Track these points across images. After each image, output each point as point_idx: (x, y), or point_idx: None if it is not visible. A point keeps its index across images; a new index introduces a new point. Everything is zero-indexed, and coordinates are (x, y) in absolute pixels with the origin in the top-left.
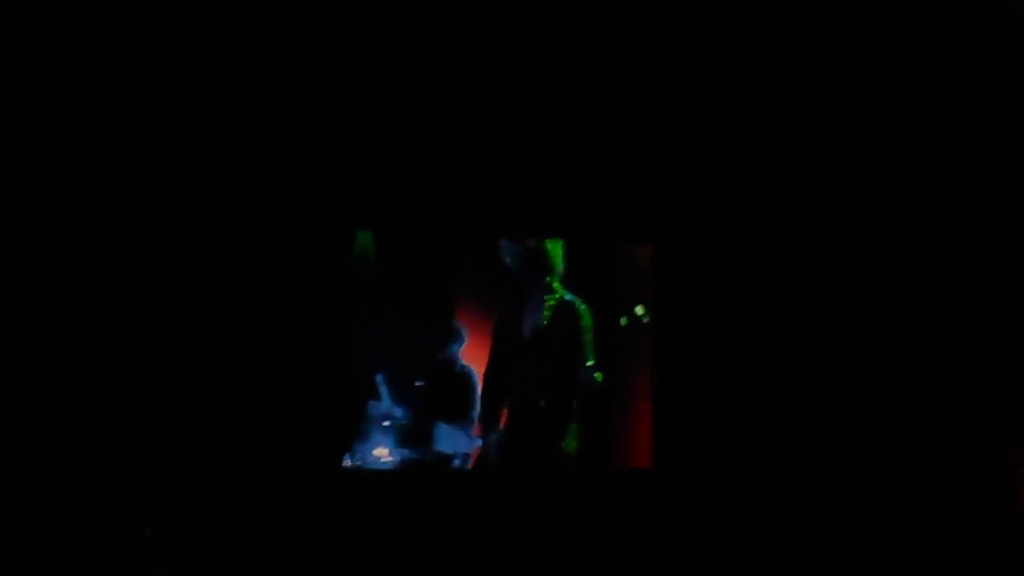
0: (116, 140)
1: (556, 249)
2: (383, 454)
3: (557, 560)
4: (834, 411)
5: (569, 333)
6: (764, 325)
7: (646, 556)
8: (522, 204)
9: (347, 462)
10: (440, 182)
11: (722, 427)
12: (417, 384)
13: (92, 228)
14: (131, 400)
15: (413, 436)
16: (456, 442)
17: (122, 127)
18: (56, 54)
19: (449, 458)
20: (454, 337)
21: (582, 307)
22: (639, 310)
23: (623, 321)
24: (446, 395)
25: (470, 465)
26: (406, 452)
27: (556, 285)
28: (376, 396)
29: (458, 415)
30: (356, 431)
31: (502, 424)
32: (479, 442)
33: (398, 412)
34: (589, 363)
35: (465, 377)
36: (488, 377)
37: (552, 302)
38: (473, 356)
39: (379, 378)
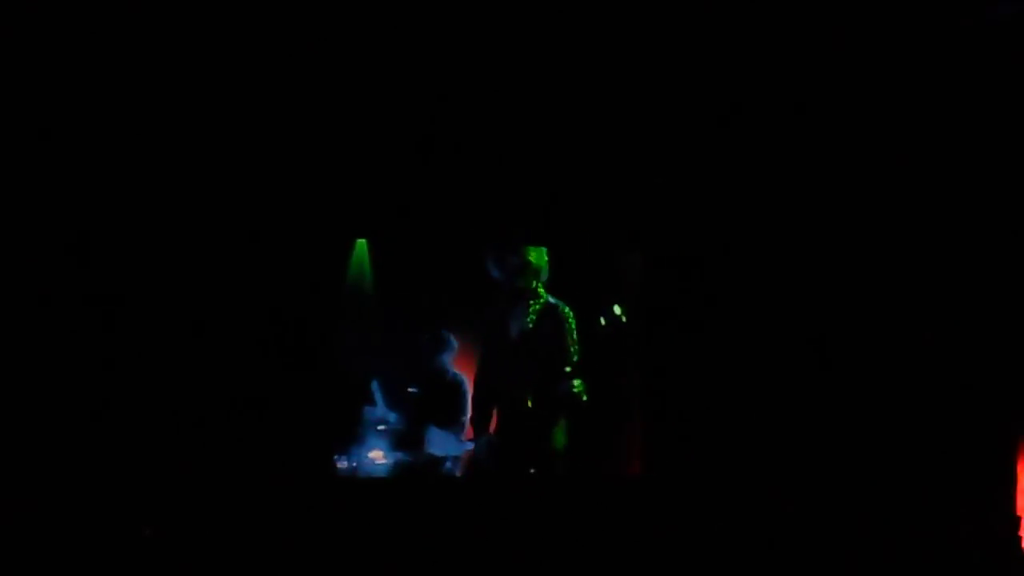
0: (115, 143)
1: (541, 256)
2: (378, 457)
3: (546, 559)
4: (827, 415)
5: (554, 335)
6: (756, 329)
7: (631, 555)
8: (513, 213)
9: (343, 464)
10: (432, 191)
11: (713, 431)
12: (410, 390)
13: (92, 233)
14: (132, 401)
15: (406, 440)
16: (447, 445)
17: (120, 131)
18: (51, 60)
19: (440, 460)
20: (445, 346)
21: (566, 310)
22: (617, 309)
23: (602, 321)
24: (438, 401)
25: (461, 467)
26: (399, 455)
27: (540, 290)
28: (371, 402)
29: (449, 420)
30: (352, 435)
31: (492, 426)
32: (469, 445)
33: (392, 417)
34: (567, 369)
35: (456, 384)
36: (478, 381)
37: (537, 306)
38: (463, 363)
39: (374, 385)
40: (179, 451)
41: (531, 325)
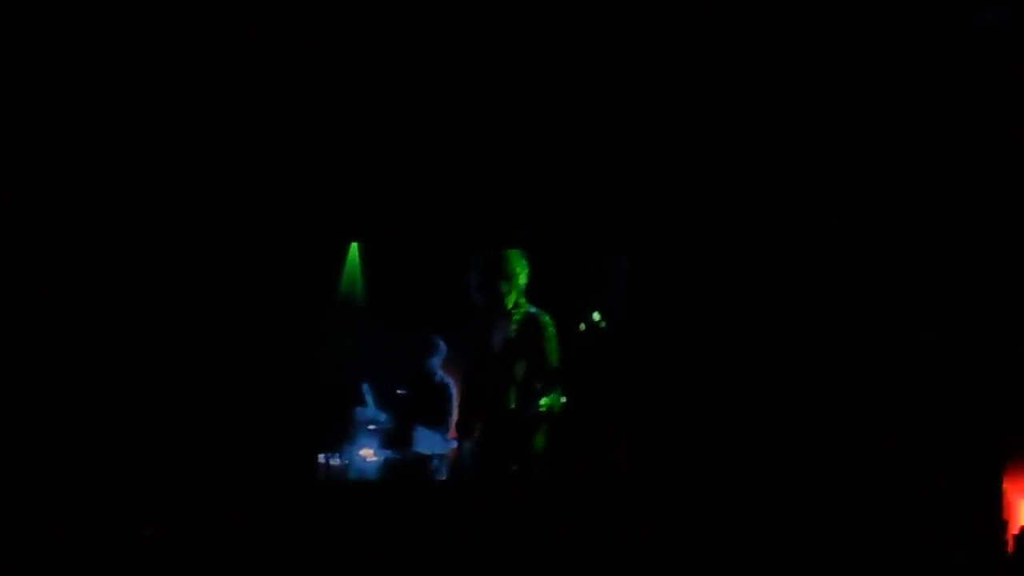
0: (109, 148)
1: (522, 272)
2: (368, 454)
3: (524, 557)
4: (816, 417)
5: (535, 343)
6: (743, 332)
7: (608, 553)
8: (502, 218)
9: (336, 461)
10: (423, 197)
11: (699, 432)
12: (399, 392)
13: (89, 236)
14: (132, 402)
15: (395, 438)
16: (433, 444)
17: (118, 135)
18: (44, 68)
19: (427, 458)
20: (434, 350)
21: (546, 319)
22: (596, 316)
23: (581, 327)
24: (425, 402)
25: (446, 464)
26: (389, 453)
27: (521, 300)
28: (362, 402)
29: (436, 420)
30: (344, 434)
31: (477, 430)
32: (455, 444)
33: (382, 417)
34: (548, 375)
35: (444, 387)
36: (465, 388)
37: (519, 316)
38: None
39: (365, 387)
40: (178, 452)
41: (513, 335)
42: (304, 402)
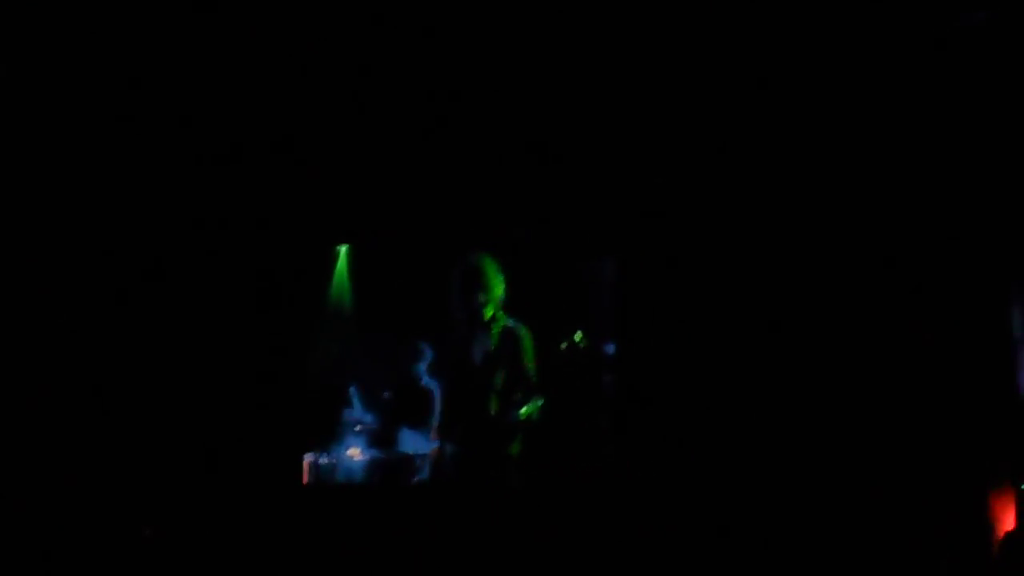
0: (105, 149)
1: (498, 281)
2: (355, 454)
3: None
4: (808, 423)
5: (514, 355)
6: (732, 336)
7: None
8: (489, 220)
9: (324, 459)
10: (408, 200)
11: (685, 437)
12: (384, 395)
13: (88, 236)
14: (131, 403)
15: (380, 439)
16: (417, 444)
17: (110, 138)
18: (41, 69)
19: (411, 457)
20: (419, 356)
21: (523, 331)
22: (577, 336)
23: (563, 345)
24: (410, 405)
25: (429, 463)
26: (374, 452)
27: (500, 314)
28: (350, 405)
29: (420, 422)
30: (332, 434)
31: (458, 434)
32: (437, 444)
33: (368, 418)
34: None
35: (428, 391)
36: (447, 397)
37: (497, 328)
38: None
39: (352, 389)
40: (177, 452)
41: (493, 347)
42: (293, 404)
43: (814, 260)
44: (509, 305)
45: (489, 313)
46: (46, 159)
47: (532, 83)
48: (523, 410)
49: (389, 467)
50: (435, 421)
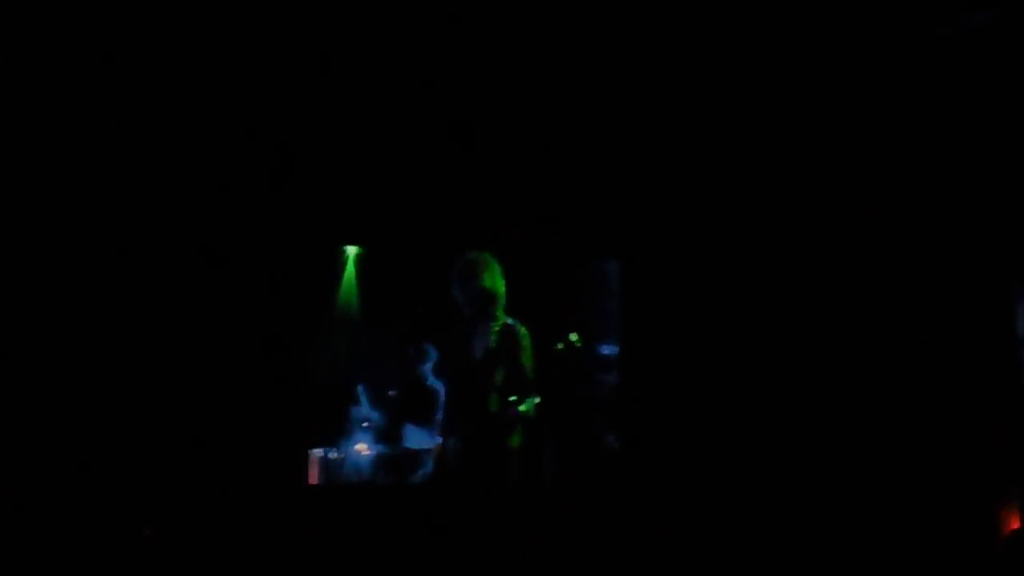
0: (115, 152)
1: (498, 285)
2: (362, 449)
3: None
4: (814, 418)
5: (512, 352)
6: (737, 336)
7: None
8: (492, 223)
9: (333, 455)
10: (414, 205)
11: (690, 435)
12: (390, 393)
13: (88, 236)
14: (132, 403)
15: (387, 435)
16: (421, 440)
17: (119, 141)
18: (37, 72)
19: (416, 453)
20: (425, 357)
21: (522, 330)
22: (573, 336)
23: (559, 346)
24: (415, 403)
25: (432, 458)
26: (380, 447)
27: (500, 313)
28: (357, 403)
29: (424, 419)
30: (341, 430)
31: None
32: (440, 440)
33: (375, 415)
34: (512, 399)
35: (434, 391)
36: (449, 393)
37: (497, 327)
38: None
39: (360, 388)
40: (177, 453)
41: (493, 345)
42: (299, 404)
43: (817, 261)
44: (509, 305)
45: (492, 313)
46: (63, 166)
47: (532, 84)
48: (521, 407)
49: (394, 462)
50: (439, 417)
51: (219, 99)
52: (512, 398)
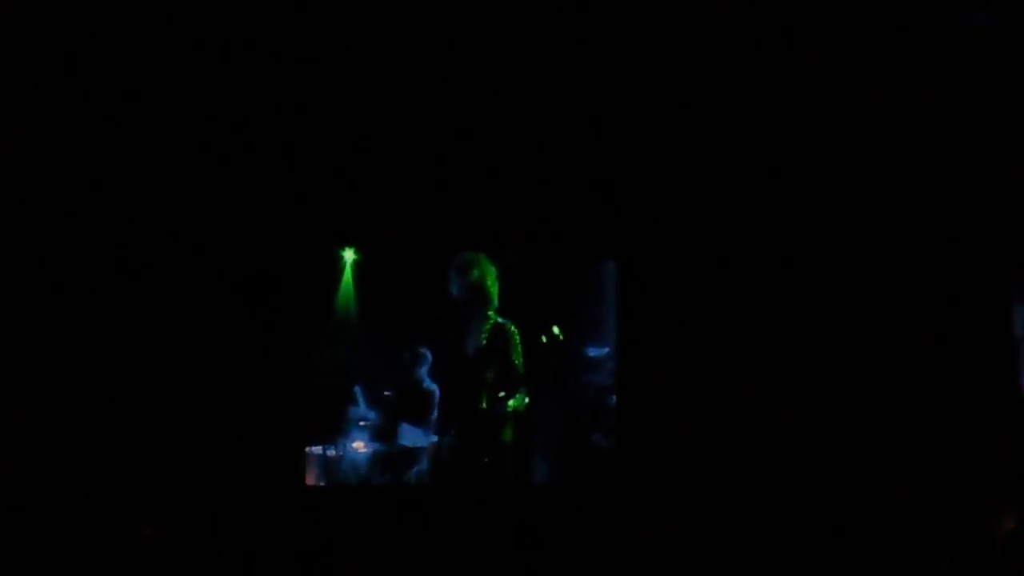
0: (117, 150)
1: (493, 286)
2: (359, 446)
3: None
4: (810, 417)
5: (503, 350)
6: (733, 336)
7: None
8: (489, 225)
9: (332, 452)
10: (409, 204)
11: (684, 434)
12: (386, 393)
13: (90, 235)
14: (132, 403)
15: (383, 433)
16: (415, 438)
17: (120, 139)
18: (36, 72)
19: (410, 450)
20: (422, 360)
21: (512, 328)
22: (555, 330)
23: (543, 339)
24: (409, 403)
25: (427, 456)
26: (377, 445)
27: (491, 313)
28: (355, 402)
29: (419, 418)
30: (339, 429)
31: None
32: (434, 438)
33: (371, 415)
34: (501, 394)
35: (429, 392)
36: (442, 391)
37: (488, 326)
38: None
39: (357, 388)
40: (178, 453)
41: (484, 342)
42: (297, 405)
43: (814, 261)
44: (501, 305)
45: (483, 312)
46: (64, 167)
47: (531, 86)
48: (511, 403)
49: (390, 459)
50: (433, 416)
51: (219, 99)
52: (501, 394)
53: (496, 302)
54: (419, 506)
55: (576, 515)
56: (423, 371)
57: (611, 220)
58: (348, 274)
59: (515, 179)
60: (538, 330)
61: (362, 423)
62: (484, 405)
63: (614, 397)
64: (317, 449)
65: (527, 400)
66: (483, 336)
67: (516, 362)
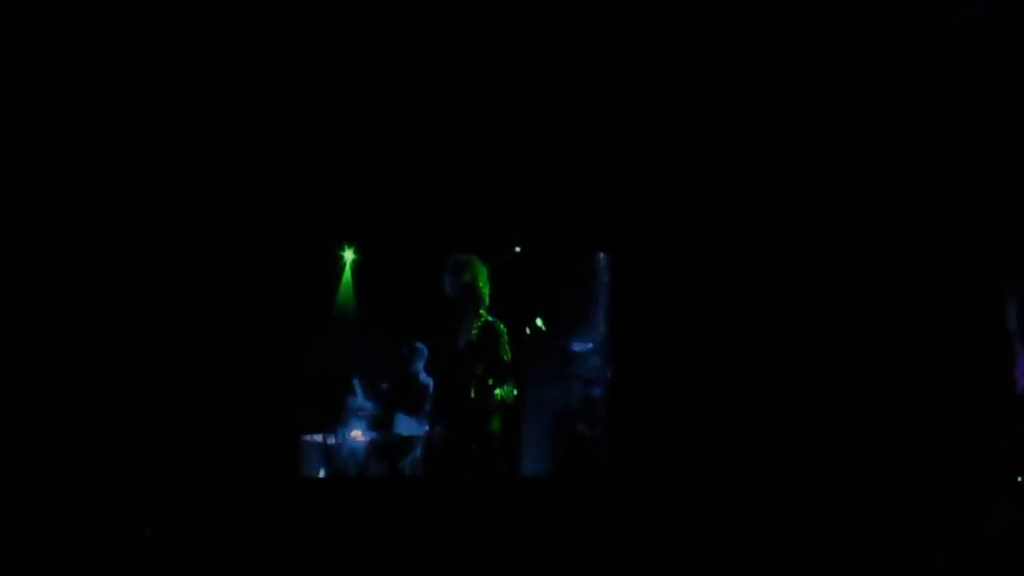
0: (121, 151)
1: (484, 286)
2: (357, 435)
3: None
4: (806, 414)
5: (493, 345)
6: (728, 333)
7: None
8: (489, 222)
9: (331, 440)
10: (408, 204)
11: (676, 427)
12: (383, 385)
13: (91, 234)
14: (132, 403)
15: (380, 423)
16: (410, 427)
17: (122, 139)
18: (37, 72)
19: (406, 439)
20: (418, 355)
21: (501, 326)
22: (539, 321)
23: (527, 331)
24: (405, 394)
25: (421, 444)
26: (374, 434)
27: (482, 311)
28: (353, 393)
29: (414, 409)
30: (338, 419)
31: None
32: (427, 428)
33: (369, 405)
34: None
35: (425, 386)
36: (435, 383)
37: (479, 323)
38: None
39: (355, 380)
40: (178, 452)
41: (475, 339)
42: (295, 398)
43: (809, 257)
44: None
45: (475, 310)
46: (65, 168)
47: (531, 86)
48: (498, 391)
49: (386, 447)
50: (427, 407)
51: (219, 99)
52: (490, 381)
53: (487, 301)
54: (409, 494)
55: (564, 504)
56: (419, 365)
57: (603, 216)
58: (347, 273)
59: (512, 179)
60: (523, 323)
61: (360, 413)
62: (473, 396)
63: (598, 389)
64: (317, 437)
65: (515, 392)
66: (474, 333)
67: (504, 357)
